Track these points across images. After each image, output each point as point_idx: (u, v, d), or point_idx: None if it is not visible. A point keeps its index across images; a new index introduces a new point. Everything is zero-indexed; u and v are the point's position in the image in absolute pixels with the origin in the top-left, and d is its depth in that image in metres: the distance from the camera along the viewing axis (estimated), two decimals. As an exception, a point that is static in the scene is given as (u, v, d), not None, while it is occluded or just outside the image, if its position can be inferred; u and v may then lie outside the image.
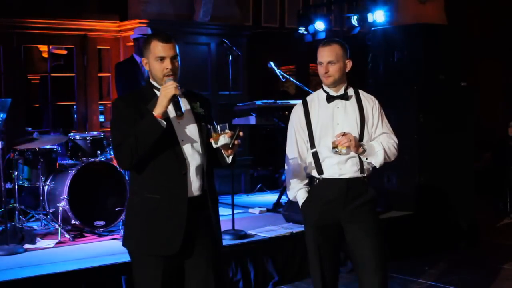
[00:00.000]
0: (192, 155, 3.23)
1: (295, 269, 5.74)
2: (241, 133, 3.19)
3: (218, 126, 3.17)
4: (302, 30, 9.08)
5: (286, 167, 3.93)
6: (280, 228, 6.06)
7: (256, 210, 7.06)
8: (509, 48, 11.40)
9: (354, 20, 8.61)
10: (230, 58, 6.22)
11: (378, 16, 8.44)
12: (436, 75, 7.04)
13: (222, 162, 3.29)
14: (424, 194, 6.85)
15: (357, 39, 8.13)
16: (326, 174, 3.78)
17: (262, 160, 9.64)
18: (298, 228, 5.93)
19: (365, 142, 3.76)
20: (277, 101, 7.14)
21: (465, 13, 11.11)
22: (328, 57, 3.75)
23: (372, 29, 7.94)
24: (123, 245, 3.34)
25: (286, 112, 7.24)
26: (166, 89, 3.13)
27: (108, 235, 5.91)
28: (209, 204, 3.29)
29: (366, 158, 3.75)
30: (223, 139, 3.15)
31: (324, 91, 3.85)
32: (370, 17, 8.48)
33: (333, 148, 3.63)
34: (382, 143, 3.78)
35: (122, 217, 6.00)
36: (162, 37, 3.24)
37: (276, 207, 7.04)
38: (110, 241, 5.75)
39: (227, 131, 3.16)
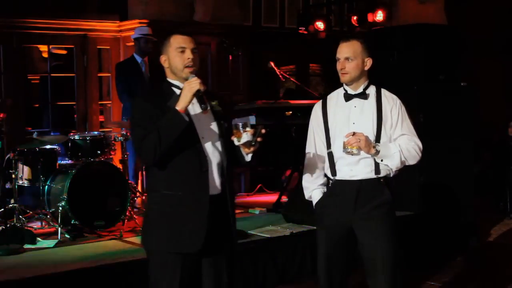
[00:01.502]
0: (213, 153, 3.26)
1: (295, 269, 5.74)
2: (263, 131, 3.21)
3: (240, 124, 3.17)
4: (302, 30, 9.07)
5: (304, 166, 3.85)
6: (280, 228, 6.06)
7: (256, 210, 7.06)
8: (509, 48, 11.40)
9: (354, 20, 8.61)
10: (230, 58, 6.23)
11: (378, 16, 8.44)
12: (436, 75, 7.04)
13: (241, 160, 3.32)
14: (424, 194, 6.85)
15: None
16: (339, 176, 3.68)
17: (262, 160, 9.63)
18: (298, 228, 5.94)
19: (381, 143, 3.63)
20: (277, 101, 7.14)
21: (465, 13, 11.11)
22: (345, 53, 3.66)
23: (372, 29, 7.95)
24: (142, 242, 3.36)
25: (286, 112, 7.25)
26: (191, 84, 3.16)
27: (108, 235, 5.91)
28: (228, 201, 3.32)
29: (382, 160, 3.62)
30: (246, 137, 3.17)
31: (344, 89, 3.75)
32: (370, 17, 8.48)
33: (344, 148, 3.55)
34: (400, 145, 3.65)
35: (122, 216, 6.01)
36: (182, 31, 3.33)
37: (276, 207, 7.04)
38: (110, 241, 5.75)
39: (248, 128, 3.17)
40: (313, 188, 3.81)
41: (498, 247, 6.99)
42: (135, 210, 6.38)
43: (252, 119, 6.90)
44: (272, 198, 7.58)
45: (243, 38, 8.74)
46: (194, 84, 3.15)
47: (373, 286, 3.69)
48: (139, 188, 6.99)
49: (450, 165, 7.03)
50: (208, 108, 3.22)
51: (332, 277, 3.73)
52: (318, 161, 3.76)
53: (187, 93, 3.15)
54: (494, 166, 9.74)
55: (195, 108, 3.26)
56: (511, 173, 8.62)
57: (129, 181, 6.46)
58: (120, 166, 6.40)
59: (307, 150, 3.83)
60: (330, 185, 3.74)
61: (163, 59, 3.36)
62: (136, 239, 5.73)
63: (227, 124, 3.28)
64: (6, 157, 6.18)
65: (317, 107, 3.81)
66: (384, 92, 3.79)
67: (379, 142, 3.62)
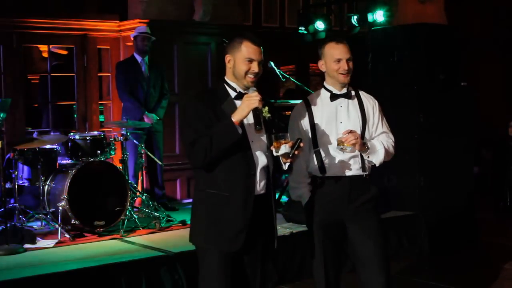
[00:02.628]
0: (260, 157, 3.36)
1: (295, 269, 5.74)
2: (302, 144, 3.29)
3: (280, 135, 3.26)
4: (302, 30, 9.07)
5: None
6: (280, 228, 6.05)
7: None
8: (509, 48, 11.41)
9: (354, 20, 8.61)
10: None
11: (378, 16, 8.44)
12: (436, 75, 7.04)
13: (279, 167, 3.40)
14: (424, 194, 6.85)
15: (357, 39, 8.12)
16: (329, 173, 3.78)
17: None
18: (298, 228, 5.94)
19: (367, 140, 3.78)
20: (277, 101, 7.14)
21: (465, 13, 11.11)
22: (347, 54, 3.75)
23: (372, 29, 7.94)
24: (190, 240, 3.46)
25: (286, 112, 7.24)
26: (250, 100, 3.23)
27: (108, 235, 5.91)
28: (272, 202, 3.44)
29: (368, 157, 3.76)
30: (284, 149, 3.26)
31: (327, 90, 3.84)
32: (370, 17, 8.47)
33: (338, 145, 3.63)
34: (382, 142, 3.80)
35: (122, 216, 6.01)
36: (254, 40, 3.36)
37: (276, 207, 7.03)
38: (110, 241, 5.75)
39: (288, 140, 3.26)
40: (301, 187, 3.88)
41: (498, 247, 6.99)
42: (135, 210, 6.38)
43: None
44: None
45: (243, 38, 8.73)
46: (254, 101, 3.22)
47: (367, 281, 3.76)
48: (139, 188, 6.99)
49: (450, 165, 7.03)
50: (261, 128, 3.29)
51: (328, 272, 3.82)
52: (303, 160, 3.82)
53: (245, 108, 3.23)
54: (494, 166, 9.75)
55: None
56: (511, 173, 8.61)
57: (129, 181, 6.46)
58: (120, 166, 6.40)
59: None
60: (319, 183, 3.82)
61: (228, 58, 3.39)
62: (136, 239, 5.73)
63: (272, 134, 3.32)
64: (6, 157, 6.18)
65: (300, 108, 3.87)
66: (362, 92, 3.93)
67: (362, 139, 3.75)
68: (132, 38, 7.27)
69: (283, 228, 6.03)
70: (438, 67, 7.05)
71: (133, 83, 7.10)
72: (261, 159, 3.36)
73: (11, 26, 7.51)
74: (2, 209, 5.66)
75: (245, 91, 3.35)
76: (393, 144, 3.87)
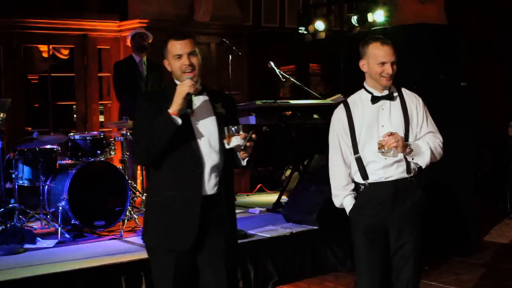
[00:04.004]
0: (209, 154, 3.28)
1: (295, 269, 5.74)
2: (253, 136, 3.22)
3: (232, 128, 3.20)
4: (302, 30, 9.07)
5: (330, 174, 3.77)
6: (280, 228, 6.06)
7: (256, 210, 7.06)
8: (509, 48, 11.40)
9: (354, 20, 8.61)
10: (230, 58, 6.23)
11: (378, 16, 8.44)
12: (436, 75, 7.03)
13: (238, 164, 3.35)
14: (424, 194, 6.83)
15: (357, 39, 8.12)
16: (372, 179, 3.63)
17: (262, 160, 9.64)
18: (298, 228, 5.94)
19: (411, 142, 3.64)
20: (277, 101, 7.14)
21: (465, 13, 11.11)
22: (392, 57, 3.64)
23: (372, 29, 7.94)
24: (142, 239, 3.48)
25: (286, 112, 7.25)
26: (181, 87, 3.20)
27: (108, 235, 5.91)
28: (224, 203, 3.34)
29: (412, 159, 3.63)
30: (236, 141, 3.18)
31: (368, 91, 3.70)
32: (370, 17, 8.48)
33: (379, 149, 3.49)
34: (428, 143, 3.66)
35: (122, 216, 6.01)
36: (177, 35, 3.31)
37: (276, 207, 7.04)
38: (110, 241, 5.75)
39: (241, 132, 3.19)
40: (344, 195, 3.71)
41: (498, 247, 6.99)
42: (135, 210, 6.38)
43: (252, 119, 6.90)
44: (272, 198, 7.58)
45: (243, 38, 8.74)
46: (184, 87, 3.19)
47: (397, 281, 3.72)
48: (139, 188, 6.99)
49: (450, 165, 7.02)
50: (192, 111, 3.24)
51: (375, 280, 3.69)
52: (346, 167, 3.70)
53: (178, 96, 3.19)
54: (494, 166, 9.74)
55: (198, 110, 3.29)
56: (511, 173, 8.61)
57: (129, 181, 6.46)
58: (120, 166, 6.40)
59: (332, 157, 3.74)
60: (362, 190, 3.67)
61: (166, 63, 3.38)
62: (136, 239, 5.73)
63: (224, 127, 3.26)
64: (6, 157, 6.18)
65: (340, 112, 3.70)
66: (404, 91, 3.79)
67: (407, 141, 3.62)
68: (129, 39, 7.27)
69: (283, 228, 6.03)
70: (438, 67, 7.05)
71: (131, 83, 7.09)
72: (211, 158, 3.28)
73: (11, 26, 7.51)
74: (2, 209, 5.66)
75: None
76: (440, 145, 3.74)
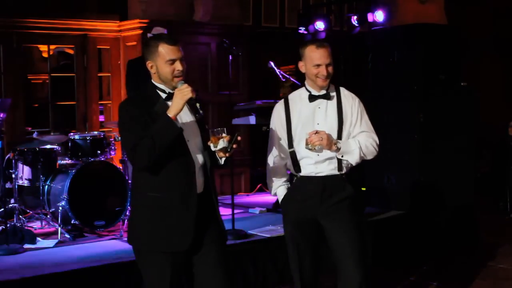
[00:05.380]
0: (197, 155, 3.35)
1: (295, 269, 5.73)
2: (239, 138, 3.28)
3: (218, 130, 3.25)
4: (302, 30, 9.07)
5: (267, 165, 3.99)
6: (280, 228, 6.04)
7: (256, 210, 7.06)
8: (509, 48, 11.40)
9: (354, 20, 8.60)
10: (230, 58, 6.22)
11: (378, 16, 8.43)
12: (436, 75, 7.03)
13: (216, 163, 3.41)
14: (424, 194, 6.85)
15: (357, 39, 8.12)
16: (304, 172, 3.84)
17: (262, 160, 9.63)
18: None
19: (343, 140, 3.79)
20: (277, 101, 7.13)
21: (465, 13, 11.10)
22: (327, 59, 3.78)
23: (372, 29, 7.94)
24: (129, 242, 3.42)
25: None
26: (182, 92, 3.21)
27: (108, 235, 5.91)
28: (213, 199, 3.40)
29: (342, 156, 3.78)
30: (222, 143, 3.25)
31: (307, 90, 3.89)
32: (370, 17, 8.47)
33: (306, 145, 3.68)
34: (359, 141, 3.81)
35: (122, 216, 6.01)
36: (170, 40, 3.32)
37: (276, 207, 7.04)
38: (110, 241, 5.75)
39: (225, 134, 3.25)
40: (278, 185, 3.97)
41: (498, 247, 6.99)
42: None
43: (252, 119, 6.90)
44: (272, 198, 7.57)
45: (243, 38, 8.74)
46: (186, 92, 3.20)
47: (344, 278, 3.80)
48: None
49: (450, 165, 7.03)
50: (202, 115, 3.31)
51: (303, 270, 3.89)
52: (281, 159, 3.92)
53: (179, 101, 3.20)
54: (494, 166, 9.74)
55: (180, 113, 3.28)
56: (511, 173, 8.61)
57: (129, 181, 6.46)
58: (120, 166, 6.40)
59: (269, 149, 3.96)
60: (294, 181, 3.90)
61: (149, 64, 3.36)
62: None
63: (209, 129, 3.35)
64: (6, 157, 6.18)
65: (279, 108, 3.94)
66: (343, 90, 3.93)
67: (340, 139, 3.78)
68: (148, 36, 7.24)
69: (282, 228, 6.02)
70: (438, 67, 7.05)
71: (142, 82, 7.07)
72: (199, 158, 3.35)
73: (11, 26, 7.51)
74: (2, 209, 5.66)
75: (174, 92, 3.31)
76: (373, 144, 3.85)
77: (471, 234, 7.09)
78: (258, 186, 8.77)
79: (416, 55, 6.96)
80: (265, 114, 6.99)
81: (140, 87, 7.07)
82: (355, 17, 8.63)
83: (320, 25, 8.84)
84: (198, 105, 3.30)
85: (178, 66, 3.29)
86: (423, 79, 6.96)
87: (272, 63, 7.15)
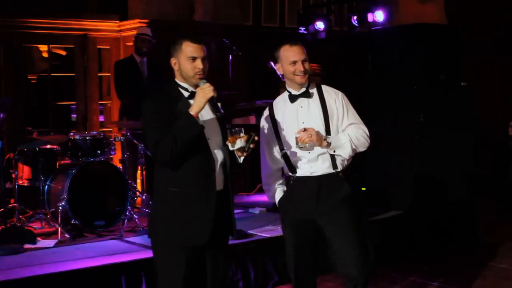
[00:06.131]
0: (217, 152, 3.46)
1: (295, 269, 5.73)
2: (256, 138, 3.39)
3: (235, 130, 3.36)
4: (302, 30, 9.07)
5: (261, 169, 4.01)
6: (280, 228, 6.04)
7: (256, 210, 7.06)
8: (509, 48, 11.40)
9: (354, 20, 8.61)
10: (230, 58, 6.23)
11: (378, 16, 8.43)
12: (436, 75, 7.03)
13: (235, 161, 3.51)
14: (424, 194, 6.85)
15: (357, 39, 8.12)
16: (299, 173, 3.84)
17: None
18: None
19: (333, 135, 3.78)
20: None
21: (465, 13, 11.11)
22: (302, 55, 3.79)
23: (372, 29, 7.94)
24: (149, 236, 3.53)
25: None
26: (204, 91, 3.34)
27: (108, 235, 5.91)
28: (230, 197, 3.54)
29: (334, 151, 3.77)
30: (240, 143, 3.36)
31: (288, 92, 3.89)
32: (370, 17, 8.47)
33: (297, 144, 3.69)
34: (349, 135, 3.79)
35: (122, 216, 6.01)
36: (193, 38, 3.47)
37: (276, 207, 7.02)
38: (110, 241, 5.75)
39: (242, 134, 3.36)
40: (273, 188, 3.98)
41: (498, 247, 6.99)
42: (135, 210, 6.38)
43: (252, 119, 6.91)
44: (272, 198, 7.56)
45: (243, 38, 8.74)
46: (208, 90, 3.33)
47: (348, 276, 3.78)
48: (139, 188, 6.99)
49: (450, 165, 7.03)
50: (222, 114, 3.42)
51: (301, 272, 3.89)
52: (273, 163, 3.92)
53: (201, 99, 3.32)
54: (494, 166, 9.74)
55: (202, 112, 3.39)
56: (511, 173, 8.61)
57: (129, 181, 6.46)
58: (120, 166, 6.39)
59: (261, 154, 3.96)
60: (291, 182, 3.89)
61: (173, 61, 3.49)
62: (136, 239, 5.73)
63: (227, 129, 3.45)
64: (6, 157, 6.18)
65: (265, 113, 3.95)
66: (324, 87, 3.93)
67: (329, 135, 3.77)
68: (133, 38, 7.27)
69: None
70: (438, 67, 7.05)
71: (131, 82, 7.09)
72: (219, 156, 3.46)
73: (11, 26, 7.51)
74: (2, 209, 5.66)
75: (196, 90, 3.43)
76: (363, 135, 3.83)
77: (471, 234, 7.09)
78: (258, 186, 8.76)
79: (416, 55, 6.96)
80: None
81: (127, 87, 7.13)
82: (355, 17, 8.63)
83: (320, 25, 8.84)
84: (220, 104, 3.42)
85: (199, 64, 3.41)
86: (423, 79, 6.96)
87: (272, 63, 7.14)
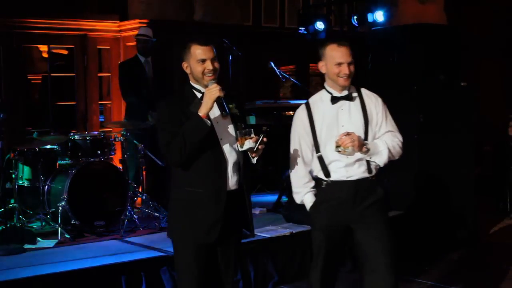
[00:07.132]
0: (230, 152, 3.52)
1: (295, 269, 5.74)
2: (265, 139, 3.43)
3: (244, 131, 3.41)
4: (302, 30, 9.07)
5: (290, 171, 3.89)
6: (280, 228, 6.06)
7: (256, 210, 7.06)
8: (509, 48, 11.40)
9: (354, 20, 8.61)
10: (230, 58, 6.23)
11: (378, 16, 8.43)
12: (436, 75, 7.03)
13: (249, 161, 3.55)
14: (424, 194, 6.85)
15: (357, 39, 8.12)
16: (334, 177, 3.74)
17: (262, 160, 9.62)
18: (298, 228, 5.94)
19: (370, 141, 3.71)
20: (277, 101, 7.15)
21: (465, 13, 11.10)
22: (349, 57, 3.69)
23: (372, 29, 7.94)
24: (168, 235, 3.64)
25: (286, 112, 7.25)
26: (211, 92, 3.41)
27: (108, 235, 5.91)
28: (245, 197, 3.59)
29: (370, 157, 3.71)
30: (248, 144, 3.42)
31: (328, 92, 3.79)
32: (370, 17, 8.47)
33: (336, 147, 3.61)
34: (386, 142, 3.74)
35: (122, 216, 6.01)
36: (201, 40, 3.56)
37: (276, 207, 7.04)
38: (110, 241, 5.75)
39: (252, 135, 3.41)
40: (305, 192, 3.85)
41: (498, 247, 6.99)
42: (135, 210, 6.38)
43: (252, 119, 6.91)
44: (272, 198, 7.58)
45: (243, 38, 8.74)
46: (214, 91, 3.39)
47: (375, 282, 3.72)
48: (139, 188, 6.98)
49: (450, 165, 7.03)
50: (228, 113, 3.47)
51: (325, 276, 3.83)
52: (306, 165, 3.83)
53: (208, 100, 3.39)
54: (494, 166, 9.74)
55: (214, 112, 3.47)
56: (511, 173, 8.61)
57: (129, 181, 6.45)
58: (120, 166, 6.39)
59: (292, 156, 3.85)
60: (324, 186, 3.79)
61: (185, 65, 3.58)
62: (136, 239, 5.73)
63: (236, 130, 3.48)
64: (6, 157, 6.18)
65: (301, 112, 3.82)
66: (364, 91, 3.86)
67: (366, 140, 3.71)
68: (133, 38, 7.28)
69: (283, 228, 6.03)
70: (438, 67, 7.05)
71: (136, 83, 7.09)
72: (232, 156, 3.52)
73: (11, 26, 7.51)
74: (2, 209, 5.66)
75: None
76: (399, 144, 3.81)
77: (471, 234, 7.09)
78: (258, 186, 8.76)
79: (416, 55, 6.96)
80: (265, 114, 7.01)
81: (134, 87, 7.13)
82: (355, 17, 8.64)
83: (320, 25, 8.85)
84: (234, 105, 3.50)
85: (208, 65, 3.49)
86: (423, 79, 6.96)
87: (272, 63, 7.16)
